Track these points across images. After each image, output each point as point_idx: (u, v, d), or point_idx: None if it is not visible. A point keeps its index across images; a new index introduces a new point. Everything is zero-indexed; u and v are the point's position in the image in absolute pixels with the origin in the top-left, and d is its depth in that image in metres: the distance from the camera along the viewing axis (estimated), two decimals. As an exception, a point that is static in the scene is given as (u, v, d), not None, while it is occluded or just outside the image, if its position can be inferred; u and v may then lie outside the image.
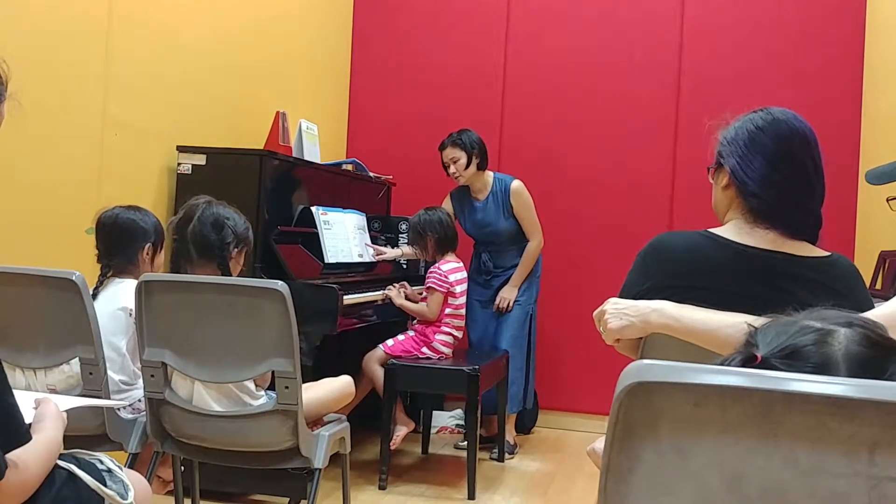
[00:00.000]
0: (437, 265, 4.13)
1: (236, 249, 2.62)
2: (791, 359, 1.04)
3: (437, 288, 4.05)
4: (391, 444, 3.88)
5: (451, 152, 4.40)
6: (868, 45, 4.68)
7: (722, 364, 1.09)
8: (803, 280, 1.68)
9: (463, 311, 4.20)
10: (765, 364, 1.04)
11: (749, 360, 1.06)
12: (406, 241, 4.80)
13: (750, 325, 1.14)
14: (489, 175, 4.52)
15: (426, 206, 4.28)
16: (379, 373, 3.92)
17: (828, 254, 1.75)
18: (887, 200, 2.73)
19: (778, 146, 1.73)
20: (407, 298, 4.13)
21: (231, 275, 2.59)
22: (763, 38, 4.83)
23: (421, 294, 4.20)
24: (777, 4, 4.82)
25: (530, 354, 4.63)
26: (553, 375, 4.97)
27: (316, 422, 2.64)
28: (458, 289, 4.11)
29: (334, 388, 2.77)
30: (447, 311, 4.09)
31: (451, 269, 4.11)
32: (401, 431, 4.04)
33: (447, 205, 4.52)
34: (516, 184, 4.47)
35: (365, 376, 3.99)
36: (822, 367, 1.02)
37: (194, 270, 2.58)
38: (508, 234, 4.51)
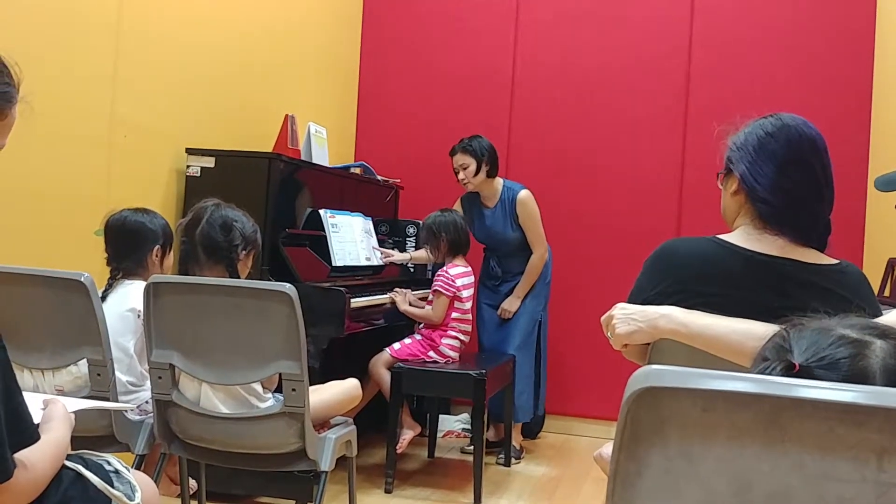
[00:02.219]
0: (444, 268, 4.12)
1: (244, 252, 2.62)
2: (828, 369, 1.05)
3: (444, 291, 4.05)
4: (397, 447, 3.88)
5: (460, 158, 4.39)
6: (878, 51, 4.67)
7: (762, 372, 1.09)
8: (812, 287, 1.67)
9: (470, 316, 4.19)
10: (803, 372, 1.05)
11: (789, 369, 1.06)
12: (413, 244, 4.81)
13: (783, 328, 1.14)
14: (499, 182, 4.51)
15: (434, 210, 4.27)
16: (385, 376, 3.92)
17: (837, 261, 1.74)
18: (896, 207, 2.73)
19: (787, 152, 1.73)
20: (412, 304, 4.13)
21: (239, 277, 2.59)
22: (772, 43, 4.82)
23: (426, 297, 4.20)
24: (786, 10, 4.82)
25: (540, 362, 4.62)
26: (560, 380, 4.96)
27: (322, 424, 2.64)
28: (465, 293, 4.11)
29: (341, 391, 2.77)
30: (454, 314, 4.08)
31: (459, 274, 4.10)
32: (407, 435, 4.04)
33: (457, 209, 4.51)
34: (523, 193, 4.45)
35: (371, 380, 3.99)
36: (860, 380, 1.03)
37: (202, 272, 2.59)
38: (517, 243, 4.49)
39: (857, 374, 1.03)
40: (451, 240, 4.14)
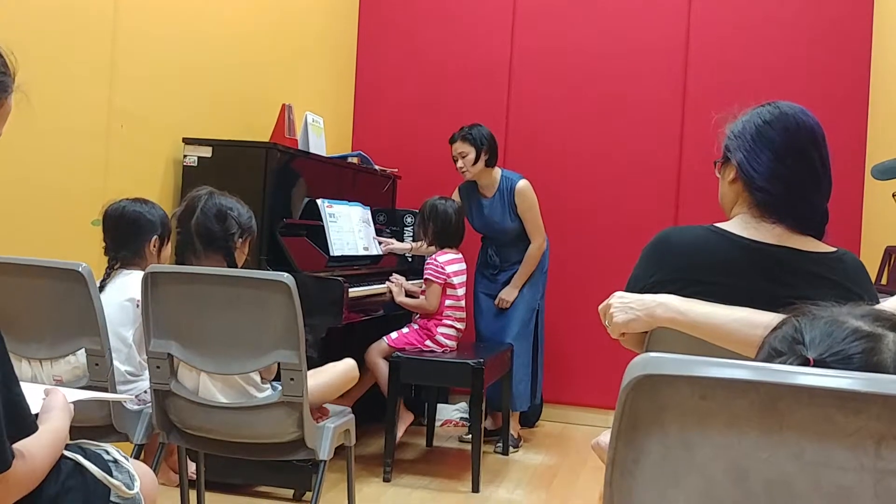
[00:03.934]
0: (433, 257, 4.12)
1: (241, 239, 2.62)
2: (842, 363, 1.05)
3: (434, 279, 4.04)
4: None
5: (460, 146, 4.38)
6: (875, 40, 4.66)
7: None
8: (809, 275, 1.68)
9: (463, 303, 4.18)
10: (818, 366, 1.06)
11: (804, 364, 1.07)
12: (411, 234, 4.80)
13: (793, 318, 1.14)
14: (497, 172, 4.50)
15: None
16: (382, 366, 3.92)
17: (834, 249, 1.74)
18: (893, 196, 2.72)
19: (785, 140, 1.73)
20: (407, 294, 4.12)
21: (237, 265, 2.59)
22: (770, 32, 4.82)
23: (420, 287, 4.20)
24: (784, -2, 4.81)
25: (538, 351, 4.63)
26: (557, 369, 4.97)
27: (320, 409, 2.65)
28: (457, 280, 4.10)
29: (338, 372, 2.78)
30: (448, 303, 4.08)
31: (449, 261, 4.10)
32: (401, 425, 4.04)
33: (455, 199, 4.50)
34: (522, 183, 4.44)
35: (368, 369, 3.99)
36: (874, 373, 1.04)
37: (200, 262, 2.59)
38: (515, 232, 4.49)
39: (871, 369, 1.04)
40: (436, 231, 4.14)
